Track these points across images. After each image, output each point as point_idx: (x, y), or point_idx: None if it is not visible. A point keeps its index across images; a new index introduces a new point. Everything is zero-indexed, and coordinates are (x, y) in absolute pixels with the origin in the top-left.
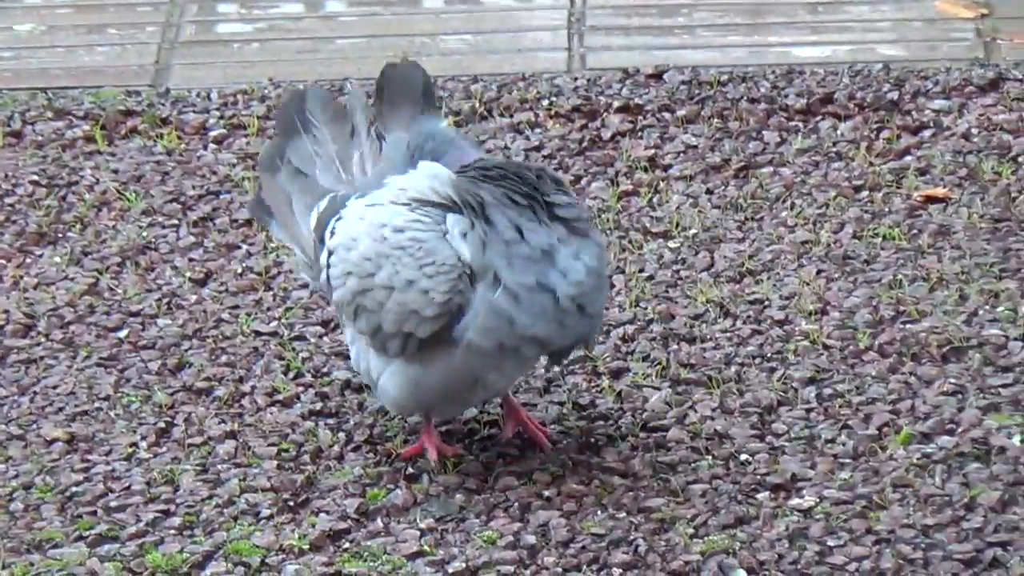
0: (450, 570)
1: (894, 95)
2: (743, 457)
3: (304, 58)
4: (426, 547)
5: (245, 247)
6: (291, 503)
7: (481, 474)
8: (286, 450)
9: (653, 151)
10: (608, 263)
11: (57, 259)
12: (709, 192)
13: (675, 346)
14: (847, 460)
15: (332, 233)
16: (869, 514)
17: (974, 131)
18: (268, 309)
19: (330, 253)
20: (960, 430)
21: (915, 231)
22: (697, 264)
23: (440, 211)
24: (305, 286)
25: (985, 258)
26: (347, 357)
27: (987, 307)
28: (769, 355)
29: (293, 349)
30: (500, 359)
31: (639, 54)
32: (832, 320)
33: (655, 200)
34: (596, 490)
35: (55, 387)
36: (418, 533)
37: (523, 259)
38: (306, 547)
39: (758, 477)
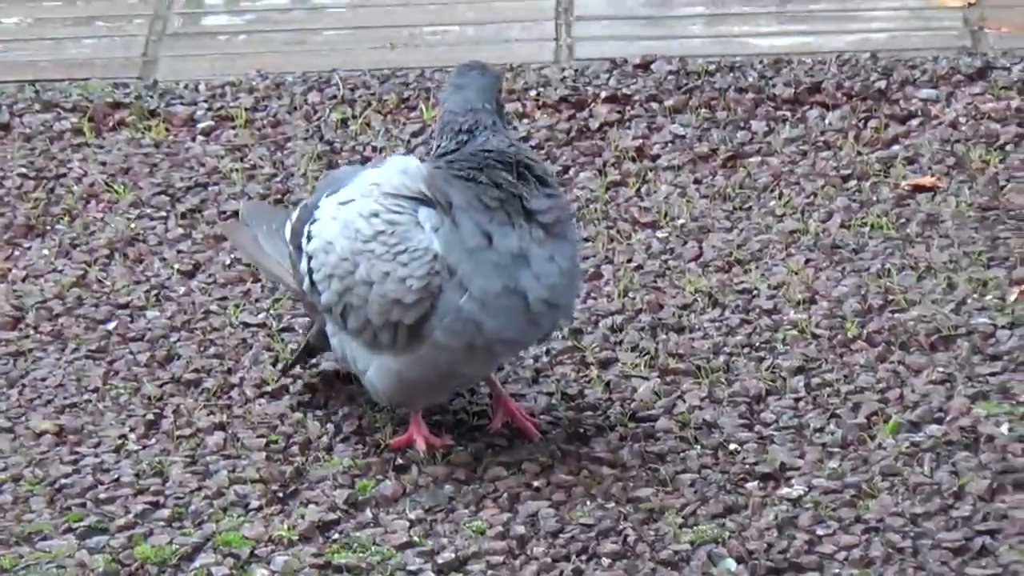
0: (439, 560)
1: (882, 84)
2: (732, 447)
3: (291, 50)
4: (415, 538)
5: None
6: (280, 494)
7: (470, 464)
8: (275, 441)
9: (641, 141)
10: (584, 258)
11: (45, 251)
12: (697, 182)
13: (663, 336)
14: (836, 449)
15: (309, 238)
16: (858, 503)
17: (962, 120)
18: (256, 300)
19: (309, 258)
20: (949, 419)
21: (903, 220)
22: (685, 254)
23: (413, 203)
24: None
25: (973, 247)
26: None
27: (975, 296)
28: (757, 344)
29: (281, 340)
30: (471, 356)
31: (627, 44)
32: (820, 309)
33: (643, 190)
34: (585, 480)
35: (44, 379)
36: (407, 524)
37: (490, 265)
38: (295, 538)
39: (747, 466)
